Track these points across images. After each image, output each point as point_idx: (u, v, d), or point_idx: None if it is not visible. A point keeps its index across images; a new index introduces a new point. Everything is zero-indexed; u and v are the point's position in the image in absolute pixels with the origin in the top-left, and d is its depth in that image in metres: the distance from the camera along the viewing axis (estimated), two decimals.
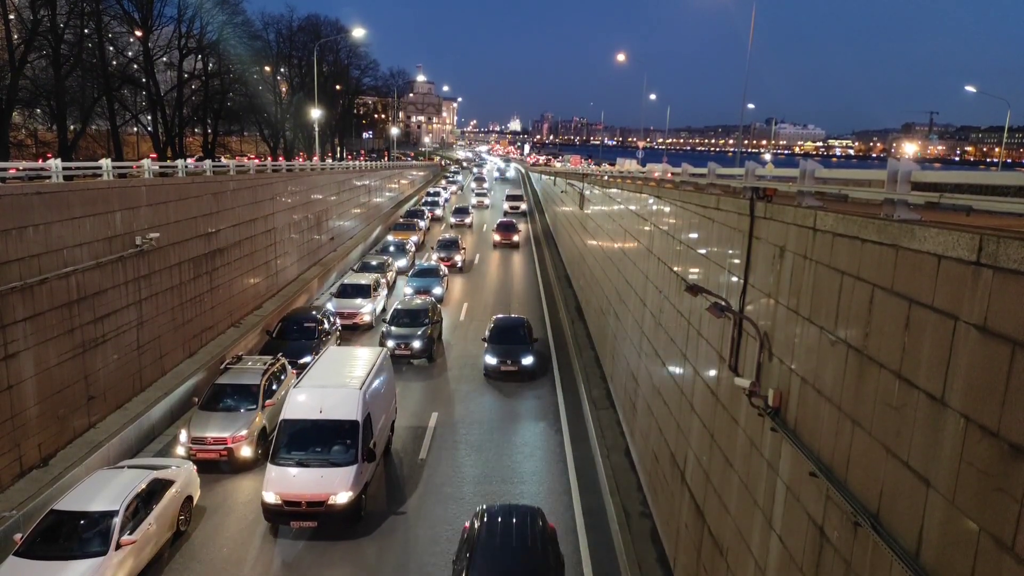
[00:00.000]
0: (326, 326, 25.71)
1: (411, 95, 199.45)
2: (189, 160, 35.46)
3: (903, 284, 5.74)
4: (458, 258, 41.90)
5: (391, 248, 43.15)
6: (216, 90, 59.56)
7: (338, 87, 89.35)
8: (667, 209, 15.33)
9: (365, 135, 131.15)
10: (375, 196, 58.76)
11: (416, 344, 24.76)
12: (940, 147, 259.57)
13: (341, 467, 14.75)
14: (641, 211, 18.62)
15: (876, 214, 6.71)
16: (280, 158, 62.95)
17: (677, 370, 13.27)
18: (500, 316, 26.51)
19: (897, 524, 5.60)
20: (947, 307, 5.13)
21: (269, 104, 70.53)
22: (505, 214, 64.83)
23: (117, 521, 12.32)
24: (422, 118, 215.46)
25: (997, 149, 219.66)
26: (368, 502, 15.49)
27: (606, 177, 29.19)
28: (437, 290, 33.09)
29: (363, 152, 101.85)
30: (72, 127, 46.90)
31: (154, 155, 47.26)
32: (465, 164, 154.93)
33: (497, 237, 49.88)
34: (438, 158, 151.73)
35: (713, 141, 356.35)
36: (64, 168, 17.70)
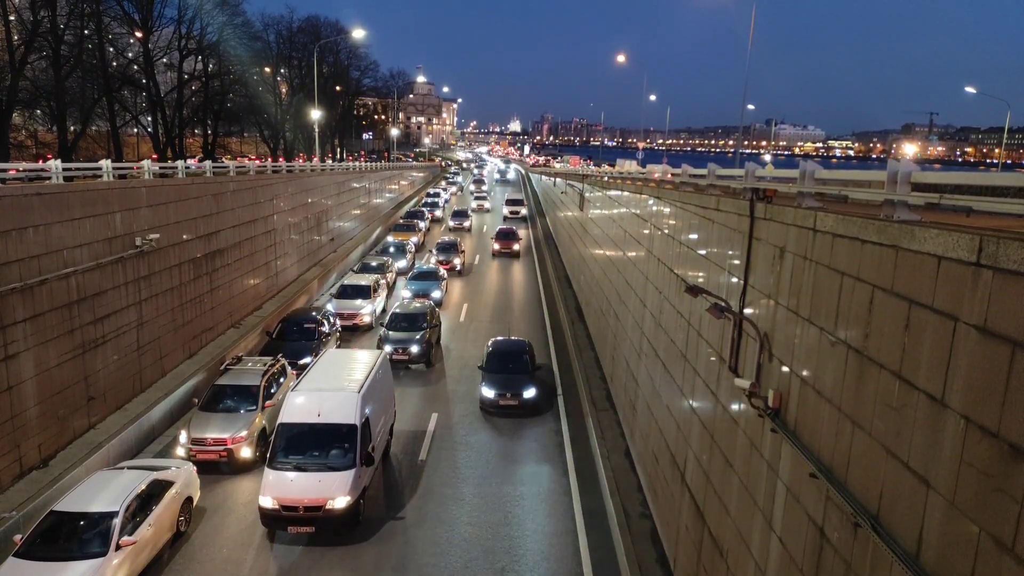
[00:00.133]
0: (326, 327, 25.71)
1: (411, 96, 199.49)
2: (191, 160, 35.54)
3: (903, 285, 5.74)
4: (457, 261, 41.30)
5: (391, 249, 43.15)
6: (216, 91, 59.63)
7: (338, 88, 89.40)
8: (667, 210, 15.33)
9: (365, 136, 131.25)
10: (375, 197, 58.78)
11: (414, 349, 24.40)
12: (940, 148, 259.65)
13: (339, 471, 14.59)
14: (641, 212, 18.63)
15: (876, 215, 6.71)
16: (280, 159, 63.09)
17: (677, 371, 13.26)
18: (499, 339, 23.97)
19: (897, 525, 5.60)
20: (947, 308, 5.13)
21: (269, 105, 70.58)
22: (505, 219, 63.13)
23: (117, 522, 12.32)
24: (422, 119, 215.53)
25: (997, 150, 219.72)
26: (366, 506, 15.41)
27: (606, 178, 29.20)
28: (436, 293, 32.64)
29: (363, 153, 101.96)
30: (72, 128, 46.94)
31: (154, 156, 47.38)
32: (465, 165, 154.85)
33: (496, 246, 47.04)
34: (439, 159, 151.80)
35: (713, 142, 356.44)
36: (64, 169, 17.71)
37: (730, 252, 10.47)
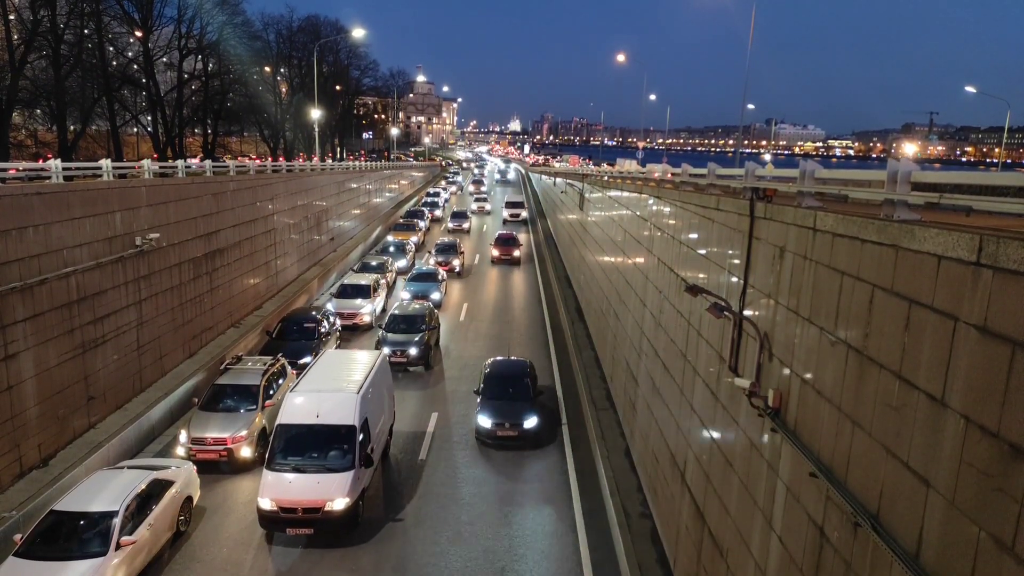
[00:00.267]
0: (326, 327, 25.71)
1: (411, 95, 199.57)
2: (193, 160, 35.54)
3: (903, 284, 5.74)
4: (456, 262, 40.70)
5: (391, 248, 43.15)
6: (216, 90, 59.62)
7: (338, 87, 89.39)
8: (667, 210, 15.33)
9: (365, 135, 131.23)
10: (375, 196, 58.77)
11: (412, 351, 24.11)
12: (940, 147, 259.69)
13: (338, 473, 14.51)
14: (641, 212, 18.63)
15: (876, 214, 6.71)
16: (280, 158, 63.06)
17: (677, 370, 13.26)
18: (497, 360, 21.78)
19: (897, 525, 5.60)
20: (947, 307, 5.13)
21: (269, 104, 70.57)
22: (504, 223, 61.26)
23: (117, 522, 12.32)
24: (422, 118, 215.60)
25: (997, 149, 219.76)
26: (366, 506, 15.36)
27: (606, 178, 29.20)
28: (435, 295, 32.23)
29: (363, 152, 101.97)
30: (72, 127, 46.94)
31: (155, 156, 47.38)
32: (465, 165, 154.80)
33: (495, 252, 44.26)
34: (439, 158, 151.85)
35: (713, 141, 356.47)
36: (64, 168, 17.70)
37: (730, 252, 10.47)
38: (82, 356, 17.09)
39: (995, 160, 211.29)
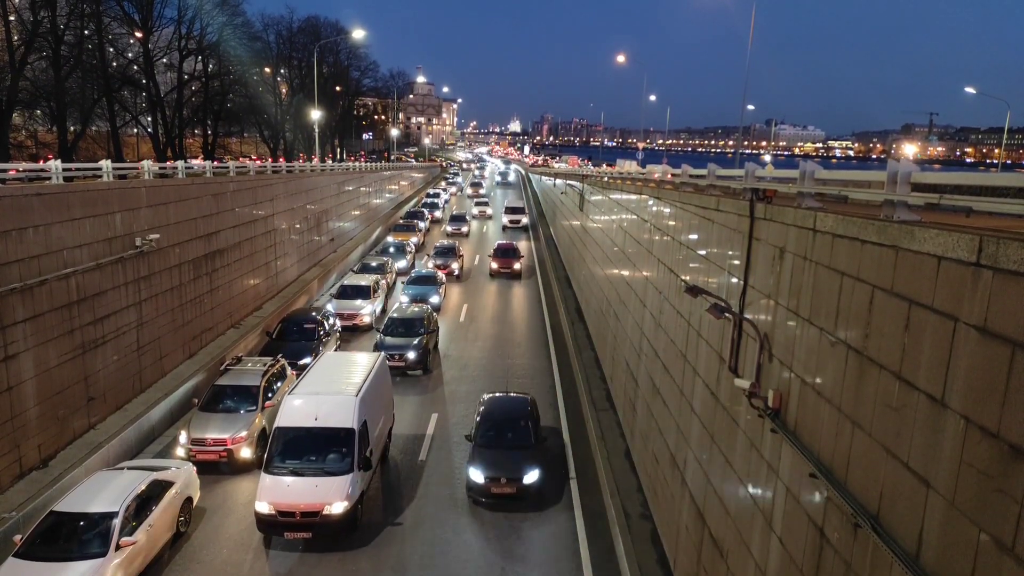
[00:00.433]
0: (326, 327, 25.70)
1: (411, 96, 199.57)
2: (195, 160, 35.51)
3: (903, 285, 5.74)
4: (455, 266, 39.89)
5: (391, 249, 43.14)
6: (216, 91, 59.67)
7: (338, 88, 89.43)
8: (667, 210, 15.33)
9: (365, 136, 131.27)
10: (375, 197, 58.77)
11: (411, 355, 23.78)
12: (940, 148, 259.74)
13: (336, 476, 14.39)
14: (641, 213, 18.63)
15: (876, 215, 6.71)
16: (280, 159, 63.04)
17: (677, 371, 13.26)
18: (493, 397, 18.61)
19: (897, 525, 5.60)
20: (947, 308, 5.13)
21: (269, 105, 70.64)
22: (504, 229, 58.67)
23: (117, 522, 12.32)
24: (422, 119, 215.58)
25: (997, 150, 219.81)
26: (365, 508, 15.31)
27: (606, 179, 29.21)
28: (434, 299, 31.60)
29: (363, 153, 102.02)
30: (72, 128, 46.97)
31: (155, 157, 47.34)
32: (465, 166, 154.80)
33: (494, 265, 40.56)
34: (440, 159, 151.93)
35: (713, 142, 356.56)
36: (64, 169, 17.70)
37: (730, 252, 10.47)
38: (82, 357, 17.09)
39: (995, 161, 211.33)
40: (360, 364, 17.99)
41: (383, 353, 20.45)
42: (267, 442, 15.66)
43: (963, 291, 4.96)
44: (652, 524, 14.45)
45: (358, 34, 67.57)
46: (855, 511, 6.08)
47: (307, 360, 21.46)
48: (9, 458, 14.65)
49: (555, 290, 35.92)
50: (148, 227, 19.95)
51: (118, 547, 12.13)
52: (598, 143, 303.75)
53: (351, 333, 28.51)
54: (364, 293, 30.49)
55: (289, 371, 20.66)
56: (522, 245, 46.98)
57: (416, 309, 27.30)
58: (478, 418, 17.63)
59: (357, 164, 58.58)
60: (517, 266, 40.75)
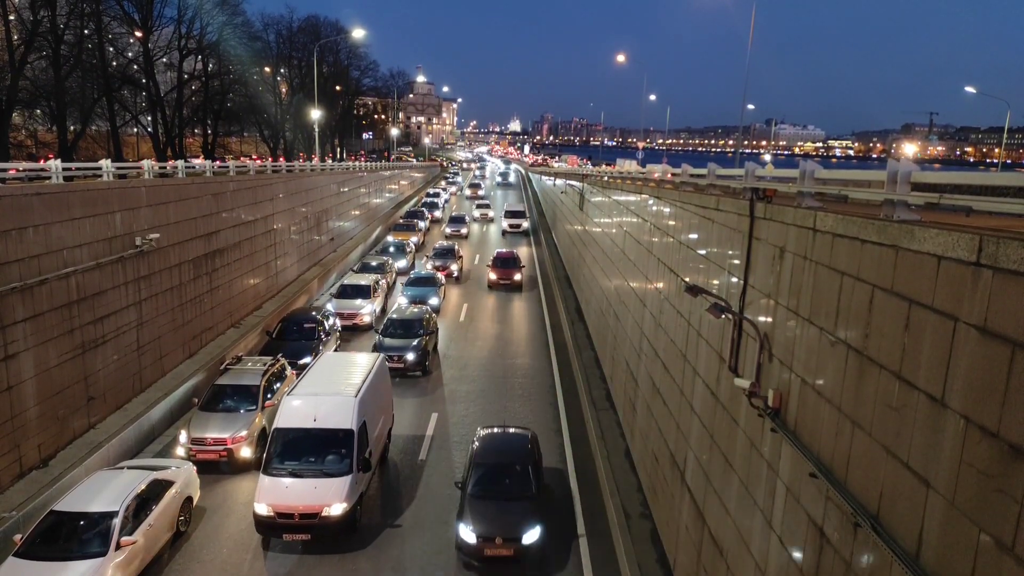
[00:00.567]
0: (326, 327, 25.70)
1: (411, 96, 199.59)
2: (196, 160, 35.46)
3: (903, 285, 5.74)
4: (454, 267, 39.37)
5: (391, 249, 43.14)
6: (216, 91, 59.66)
7: (338, 88, 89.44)
8: (667, 210, 15.33)
9: (365, 136, 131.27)
10: (375, 197, 58.76)
11: (410, 356, 23.60)
12: (940, 148, 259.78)
13: (335, 478, 14.32)
14: (641, 212, 18.63)
15: (876, 215, 6.71)
16: (280, 159, 63.06)
17: (677, 371, 13.26)
18: (488, 435, 16.33)
19: (897, 525, 5.60)
20: (947, 308, 5.13)
21: (269, 105, 70.63)
22: (504, 234, 56.62)
23: (117, 522, 12.32)
24: (422, 119, 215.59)
25: (997, 150, 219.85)
26: (364, 508, 15.27)
27: (606, 178, 29.22)
28: (434, 300, 31.32)
29: (363, 153, 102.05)
30: (72, 128, 46.95)
31: (166, 156, 47.32)
32: (465, 166, 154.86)
33: (493, 276, 37.61)
34: (441, 159, 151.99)
35: (713, 142, 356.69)
36: (64, 169, 17.70)
37: (730, 252, 10.47)
38: (82, 356, 17.08)
39: (995, 160, 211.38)
40: (359, 365, 17.92)
41: (382, 354, 20.37)
42: (267, 442, 15.65)
43: (963, 291, 4.96)
44: (652, 523, 14.45)
45: (358, 34, 67.62)
46: (855, 511, 6.08)
47: (307, 359, 21.46)
48: (9, 458, 14.65)
49: (555, 291, 35.93)
50: (148, 227, 19.95)
51: (118, 547, 12.13)
52: (598, 143, 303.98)
53: (351, 333, 28.51)
54: (364, 293, 30.49)
55: (289, 371, 20.66)
56: (523, 251, 45.69)
57: (415, 310, 27.16)
58: (469, 460, 15.43)
59: (357, 164, 58.56)
60: (518, 277, 37.70)
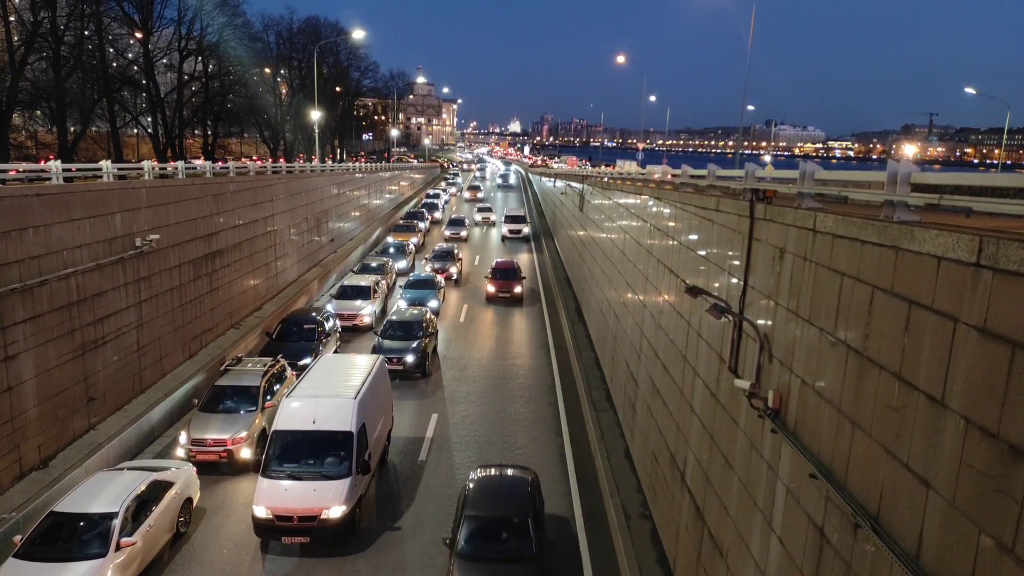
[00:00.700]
0: (326, 328, 25.70)
1: (411, 97, 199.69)
2: (197, 160, 35.44)
3: (903, 286, 5.74)
4: (454, 270, 38.76)
5: (391, 250, 43.14)
6: (216, 92, 59.64)
7: (338, 89, 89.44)
8: (667, 211, 15.34)
9: (365, 137, 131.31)
10: (375, 198, 58.77)
11: (409, 359, 23.44)
12: (940, 149, 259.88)
13: (334, 480, 14.25)
14: (641, 213, 18.63)
15: (876, 216, 6.72)
16: (280, 160, 63.04)
17: (677, 372, 13.26)
18: (482, 479, 14.23)
19: (897, 526, 5.60)
20: (947, 308, 5.13)
21: (269, 106, 70.63)
22: (504, 239, 54.70)
23: (116, 523, 12.32)
24: (422, 120, 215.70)
25: (997, 151, 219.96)
26: (364, 509, 15.24)
27: (606, 179, 29.23)
28: (433, 303, 30.81)
29: (363, 153, 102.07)
30: (72, 129, 46.95)
31: (166, 157, 47.32)
32: (466, 167, 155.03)
33: (491, 288, 34.83)
34: (442, 159, 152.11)
35: (713, 143, 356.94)
36: (64, 170, 17.70)
37: (730, 253, 10.47)
38: (82, 357, 17.09)
39: (995, 161, 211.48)
40: (359, 366, 17.86)
41: (382, 356, 20.29)
42: (266, 443, 15.62)
43: (963, 291, 4.96)
44: (652, 523, 14.45)
45: (358, 35, 67.46)
46: (855, 511, 6.08)
47: (307, 360, 21.45)
48: (9, 458, 14.65)
49: (554, 289, 35.93)
50: (148, 227, 19.96)
51: (118, 547, 12.13)
52: (598, 143, 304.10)
53: (351, 333, 28.51)
54: (364, 293, 30.49)
55: (289, 372, 20.65)
56: (523, 259, 44.58)
57: (415, 312, 27.01)
58: (459, 509, 13.51)
59: (357, 164, 58.57)
60: (518, 289, 34.97)
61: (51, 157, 31.41)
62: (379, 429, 16.94)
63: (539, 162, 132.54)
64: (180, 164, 24.63)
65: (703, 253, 12.09)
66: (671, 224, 14.83)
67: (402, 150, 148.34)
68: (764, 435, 8.53)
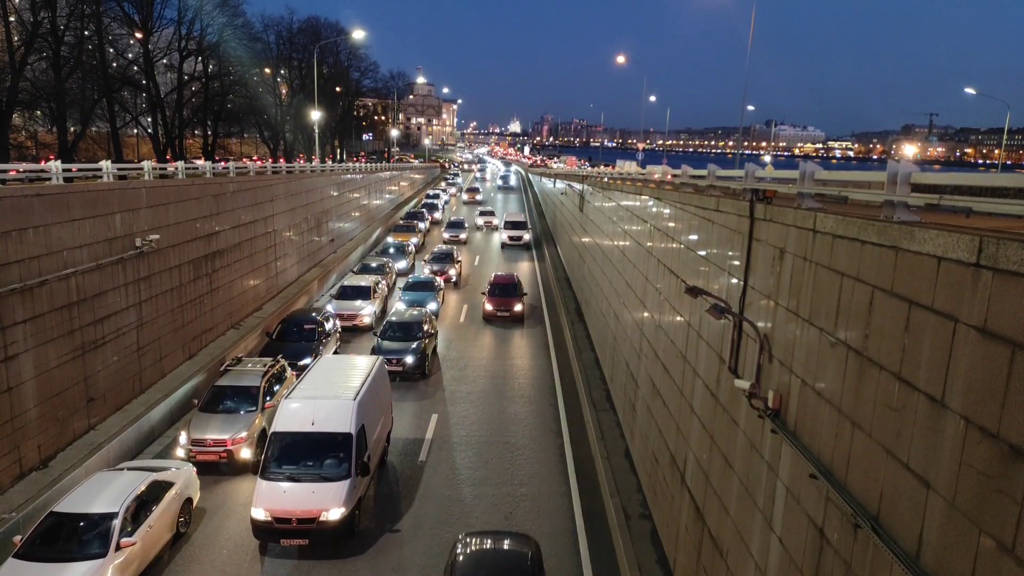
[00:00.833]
0: (326, 328, 25.70)
1: (411, 97, 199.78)
2: (198, 160, 35.43)
3: (903, 286, 5.74)
4: (453, 272, 38.21)
5: (391, 250, 43.15)
6: (216, 92, 59.63)
7: (338, 89, 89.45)
8: (667, 211, 15.34)
9: (365, 137, 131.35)
10: (375, 198, 58.77)
11: (409, 359, 23.36)
12: (940, 149, 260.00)
13: (333, 482, 14.18)
14: (641, 213, 18.63)
15: (876, 216, 6.72)
16: (280, 160, 63.05)
17: (677, 372, 13.26)
18: (475, 546, 11.94)
19: (897, 526, 5.60)
20: (947, 309, 5.13)
21: (269, 106, 70.63)
22: (503, 246, 51.95)
23: (116, 523, 12.32)
24: (422, 120, 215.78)
25: (997, 151, 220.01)
26: (362, 513, 15.19)
27: (605, 179, 29.22)
28: (432, 305, 30.49)
29: (363, 154, 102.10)
30: (72, 129, 46.95)
31: (166, 157, 47.31)
32: (466, 167, 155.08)
33: (489, 307, 31.25)
34: (443, 160, 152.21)
35: (713, 143, 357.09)
36: (64, 170, 17.70)
37: (730, 253, 10.47)
38: (82, 357, 17.09)
39: (995, 162, 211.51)
40: (358, 367, 17.82)
41: (381, 357, 20.22)
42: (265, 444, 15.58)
43: (963, 292, 4.96)
44: (652, 524, 14.45)
45: (358, 35, 67.44)
46: (855, 511, 6.08)
47: (307, 361, 21.45)
48: (9, 459, 14.65)
49: (554, 289, 35.90)
50: (148, 228, 19.96)
51: (118, 548, 12.13)
52: (598, 144, 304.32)
53: (351, 334, 28.51)
54: (364, 294, 30.49)
55: (289, 372, 20.65)
56: (524, 267, 43.33)
57: (414, 313, 26.92)
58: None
59: (357, 165, 58.60)
60: (519, 308, 31.47)
61: (51, 157, 31.43)
62: (379, 430, 16.90)
63: (538, 162, 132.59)
64: (180, 164, 24.63)
65: (703, 253, 12.09)
66: (671, 224, 14.83)
67: (396, 150, 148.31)
68: (764, 435, 8.53)
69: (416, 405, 21.76)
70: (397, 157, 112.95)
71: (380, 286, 32.31)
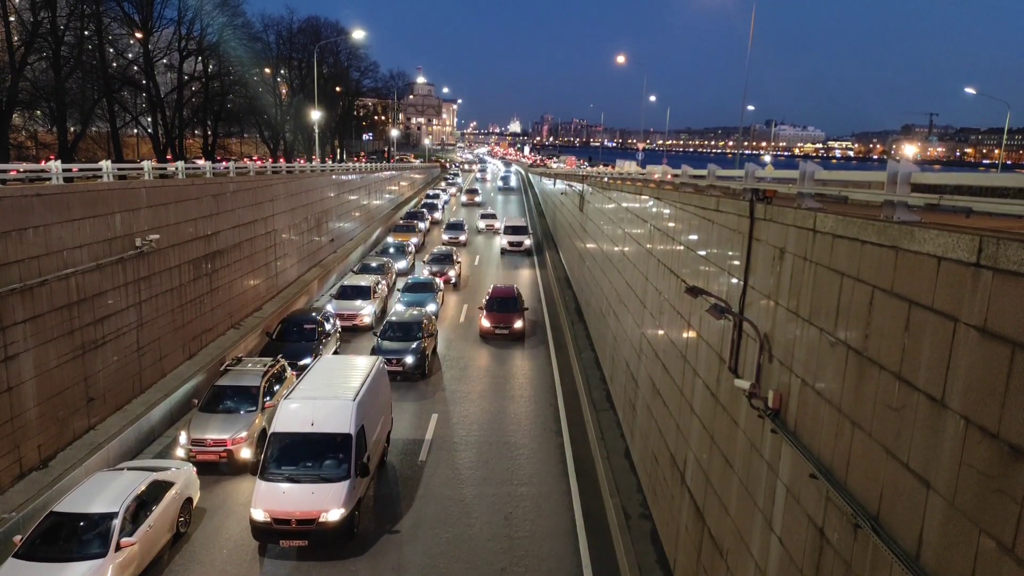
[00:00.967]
0: (326, 328, 25.70)
1: (411, 97, 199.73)
2: (198, 160, 35.43)
3: (903, 285, 5.74)
4: (452, 273, 37.99)
5: (391, 250, 43.15)
6: (216, 92, 59.64)
7: (338, 89, 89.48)
8: (667, 211, 15.34)
9: (365, 137, 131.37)
10: (375, 198, 58.77)
11: (409, 360, 23.33)
12: (940, 149, 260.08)
13: (333, 483, 14.14)
14: (641, 213, 18.63)
15: (876, 216, 6.72)
16: (280, 160, 63.05)
17: (677, 372, 13.26)
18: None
19: (897, 526, 5.60)
20: (947, 308, 5.13)
21: (269, 106, 70.66)
22: (503, 252, 49.74)
23: (116, 523, 12.32)
24: (422, 120, 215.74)
25: (997, 151, 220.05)
26: (362, 513, 15.17)
27: (605, 179, 29.21)
28: (431, 306, 30.21)
29: (363, 154, 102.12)
30: (72, 129, 46.96)
31: (166, 157, 47.31)
32: (467, 167, 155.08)
33: (487, 323, 28.66)
34: (443, 160, 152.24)
35: (713, 143, 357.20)
36: (64, 170, 17.70)
37: (730, 253, 10.47)
38: (82, 357, 17.09)
39: (995, 161, 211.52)
40: (358, 368, 17.78)
41: (381, 357, 20.17)
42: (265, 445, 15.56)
43: (963, 291, 4.96)
44: (652, 523, 14.45)
45: (358, 35, 67.42)
46: (855, 511, 6.08)
47: (307, 361, 21.44)
48: (9, 458, 14.65)
49: (554, 290, 35.89)
50: (148, 228, 19.96)
51: (118, 547, 12.12)
52: (598, 143, 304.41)
53: (351, 334, 28.51)
54: (364, 294, 30.49)
55: (289, 372, 20.65)
56: (524, 276, 41.78)
57: (414, 313, 26.86)
58: None
59: (357, 164, 58.59)
60: (519, 324, 28.83)
61: (51, 157, 31.44)
62: (378, 431, 16.87)
63: (538, 161, 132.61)
64: (180, 164, 24.62)
65: (703, 253, 12.09)
66: (671, 224, 14.83)
67: (395, 150, 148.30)
68: (764, 435, 8.53)
69: (416, 405, 21.76)
70: (397, 157, 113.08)
71: (380, 286, 32.31)
